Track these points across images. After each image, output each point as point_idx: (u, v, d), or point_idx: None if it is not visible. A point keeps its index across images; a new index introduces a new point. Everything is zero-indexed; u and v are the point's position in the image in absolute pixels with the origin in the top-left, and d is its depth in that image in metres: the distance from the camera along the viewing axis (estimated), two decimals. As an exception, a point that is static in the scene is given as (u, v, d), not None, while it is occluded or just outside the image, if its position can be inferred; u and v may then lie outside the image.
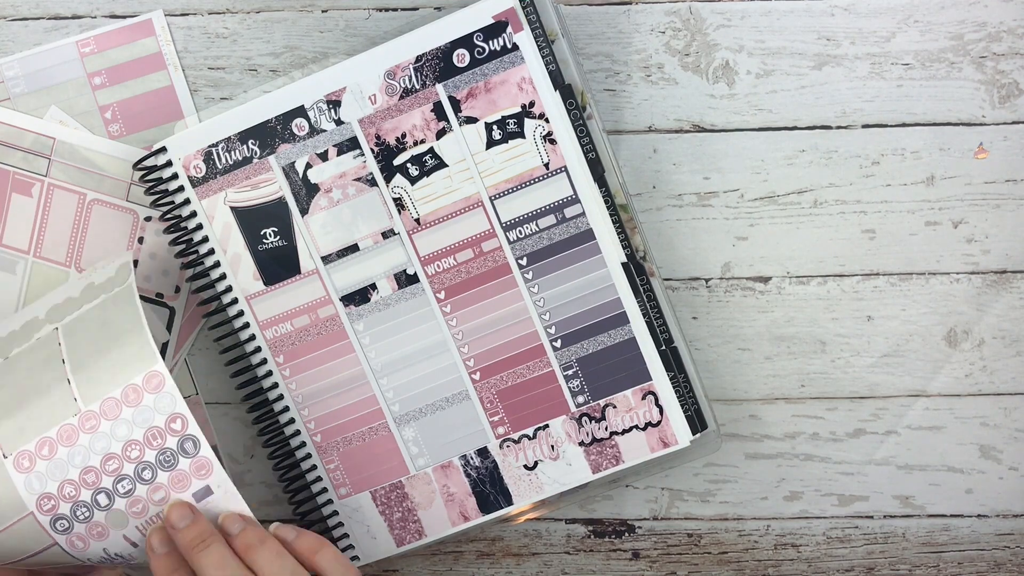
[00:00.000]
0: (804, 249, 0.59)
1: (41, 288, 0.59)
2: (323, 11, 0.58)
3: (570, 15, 0.57)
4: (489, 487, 0.59)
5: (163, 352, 0.60)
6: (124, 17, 0.58)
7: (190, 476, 0.51)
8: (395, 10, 0.57)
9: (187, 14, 0.58)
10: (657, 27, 0.57)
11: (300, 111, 0.55)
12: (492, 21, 0.54)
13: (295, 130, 0.56)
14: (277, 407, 0.58)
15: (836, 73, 0.58)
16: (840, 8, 0.57)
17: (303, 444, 0.59)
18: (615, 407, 0.57)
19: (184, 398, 0.59)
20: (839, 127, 0.58)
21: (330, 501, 0.59)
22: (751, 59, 0.58)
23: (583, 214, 0.56)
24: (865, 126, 0.58)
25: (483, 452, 0.58)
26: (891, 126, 0.58)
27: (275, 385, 0.58)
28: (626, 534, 0.63)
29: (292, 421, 0.59)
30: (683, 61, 0.58)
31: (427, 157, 0.56)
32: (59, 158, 0.58)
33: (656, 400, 0.57)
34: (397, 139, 0.55)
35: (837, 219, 0.59)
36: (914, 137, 0.58)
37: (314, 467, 0.59)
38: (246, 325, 0.58)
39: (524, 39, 0.54)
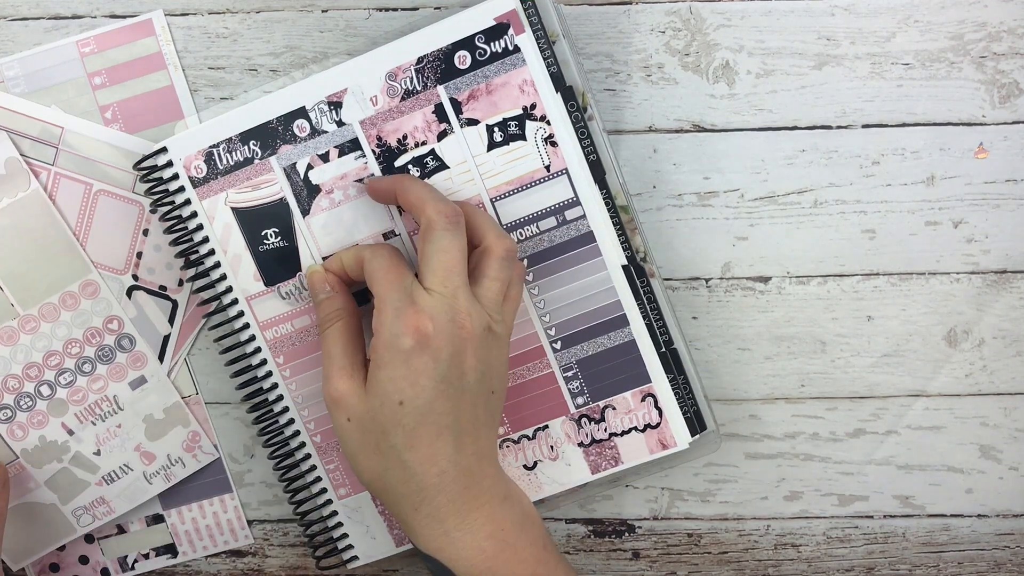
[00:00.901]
0: (804, 249, 0.59)
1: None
2: (323, 11, 0.58)
3: (570, 15, 0.57)
4: None
5: (164, 346, 0.60)
6: (124, 17, 0.58)
7: (126, 367, 0.57)
8: (395, 10, 0.57)
9: (187, 14, 0.58)
10: (657, 27, 0.57)
11: (301, 112, 0.55)
12: (493, 23, 0.54)
13: (296, 131, 0.56)
14: (277, 407, 0.58)
15: (836, 73, 0.58)
16: (840, 8, 0.57)
17: (303, 444, 0.59)
18: (615, 409, 0.57)
19: (184, 398, 0.59)
20: (839, 127, 0.58)
21: (330, 501, 0.59)
22: (751, 59, 0.58)
23: (584, 216, 0.56)
24: (865, 126, 0.58)
25: None
26: (891, 126, 0.58)
27: (275, 385, 0.58)
28: (626, 534, 0.63)
29: (292, 421, 0.59)
30: (683, 61, 0.58)
31: (428, 159, 0.56)
32: (67, 147, 0.58)
33: (656, 402, 0.57)
34: (398, 140, 0.55)
35: (837, 219, 0.59)
36: (914, 137, 0.58)
37: (314, 467, 0.59)
38: (246, 325, 0.58)
39: (526, 41, 0.54)
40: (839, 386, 0.60)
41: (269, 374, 0.58)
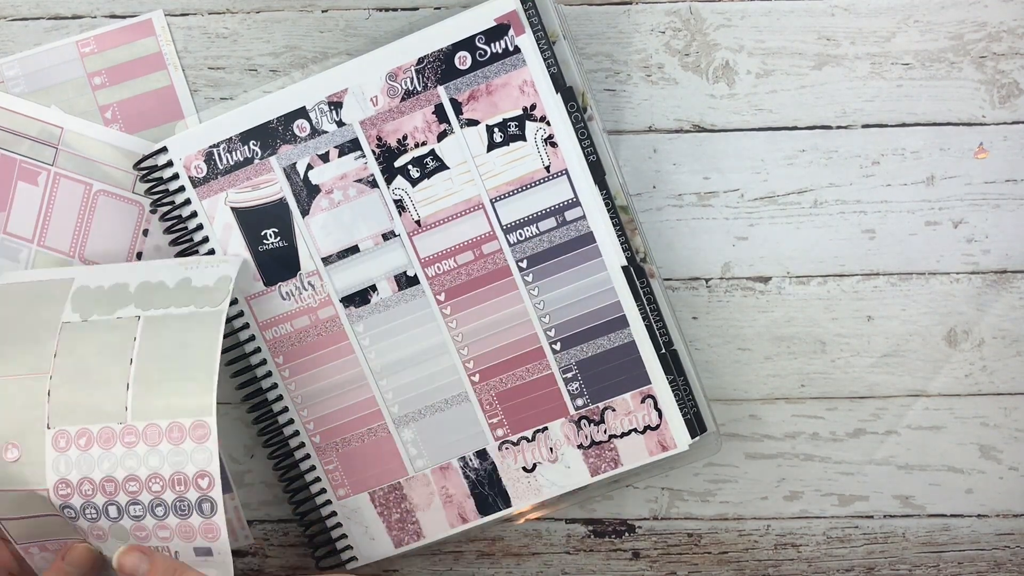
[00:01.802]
0: (804, 249, 0.59)
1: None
2: (323, 11, 0.58)
3: (570, 15, 0.57)
4: (488, 489, 0.59)
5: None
6: (124, 17, 0.58)
7: (197, 533, 0.52)
8: (395, 10, 0.57)
9: (187, 14, 0.58)
10: (657, 27, 0.57)
11: (302, 112, 0.55)
12: (494, 24, 0.54)
13: (296, 131, 0.56)
14: (276, 407, 0.58)
15: (836, 73, 0.58)
16: (840, 8, 0.57)
17: (302, 445, 0.59)
18: (614, 410, 0.57)
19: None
20: (839, 127, 0.58)
21: (329, 502, 0.59)
22: (751, 59, 0.58)
23: (583, 217, 0.56)
24: (865, 126, 0.58)
25: (482, 454, 0.58)
26: (891, 126, 0.58)
27: (274, 386, 0.58)
28: (626, 534, 0.63)
29: (291, 422, 0.59)
30: (683, 61, 0.58)
31: (428, 159, 0.55)
32: (66, 148, 0.58)
33: (655, 404, 0.57)
34: (398, 141, 0.55)
35: (837, 219, 0.59)
36: (914, 137, 0.58)
37: (313, 468, 0.59)
38: (246, 325, 0.58)
39: (526, 42, 0.54)
40: (839, 386, 0.60)
41: (269, 374, 0.58)
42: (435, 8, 0.57)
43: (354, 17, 0.58)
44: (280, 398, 0.58)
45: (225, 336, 0.58)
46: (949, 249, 0.59)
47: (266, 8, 0.58)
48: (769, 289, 0.60)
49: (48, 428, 0.52)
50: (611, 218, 0.56)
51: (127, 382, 0.52)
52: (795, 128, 0.58)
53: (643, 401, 0.57)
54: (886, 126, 0.58)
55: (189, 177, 0.56)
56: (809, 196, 0.59)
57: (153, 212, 0.59)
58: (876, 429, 0.61)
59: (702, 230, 0.59)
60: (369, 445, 0.59)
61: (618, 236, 0.56)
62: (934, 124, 0.58)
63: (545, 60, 0.55)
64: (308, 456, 0.59)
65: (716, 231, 0.59)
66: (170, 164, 0.56)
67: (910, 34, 0.57)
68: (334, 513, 0.59)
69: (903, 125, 0.58)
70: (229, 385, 0.59)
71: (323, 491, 0.59)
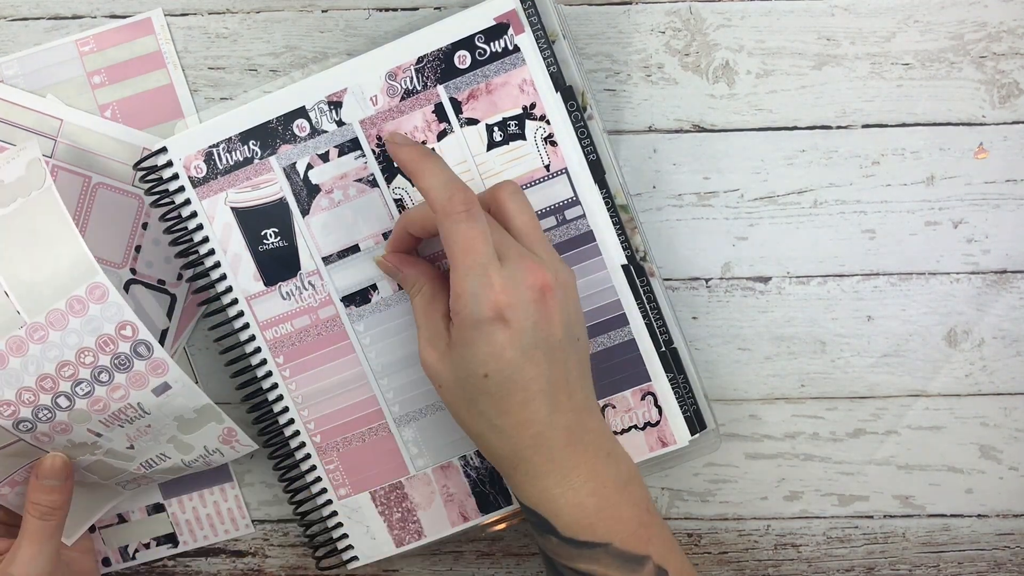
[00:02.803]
0: (804, 249, 0.59)
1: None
2: (323, 11, 0.58)
3: (570, 15, 0.57)
4: (489, 487, 0.59)
5: (162, 340, 0.60)
6: (124, 17, 0.58)
7: (147, 375, 0.53)
8: (395, 10, 0.57)
9: (187, 14, 0.58)
10: (657, 27, 0.57)
11: (301, 112, 0.55)
12: (493, 23, 0.54)
13: (296, 131, 0.56)
14: (277, 407, 0.58)
15: (836, 73, 0.58)
16: (840, 8, 0.57)
17: (303, 444, 0.59)
18: (614, 407, 0.57)
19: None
20: (839, 127, 0.58)
21: (330, 501, 0.59)
22: (751, 59, 0.58)
23: (583, 216, 0.56)
24: (865, 126, 0.58)
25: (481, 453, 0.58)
26: (891, 126, 0.58)
27: (275, 385, 0.58)
28: (626, 534, 0.62)
29: (292, 421, 0.59)
30: (683, 61, 0.58)
31: None
32: (65, 140, 0.58)
33: (655, 400, 0.57)
34: None
35: (837, 219, 0.59)
36: (914, 137, 0.58)
37: (313, 467, 0.59)
38: (246, 325, 0.58)
39: (525, 40, 0.54)
40: (839, 386, 0.60)
41: (269, 374, 0.58)
42: (435, 8, 0.57)
43: (354, 17, 0.58)
44: (280, 398, 0.58)
45: (225, 336, 0.58)
46: (949, 249, 0.59)
47: (266, 8, 0.58)
48: (769, 289, 0.60)
49: None
50: (611, 217, 0.56)
51: (3, 292, 0.52)
52: (795, 128, 0.58)
53: (643, 398, 0.57)
54: (886, 126, 0.58)
55: (189, 177, 0.56)
56: (809, 196, 0.59)
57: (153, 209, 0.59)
58: (876, 429, 0.61)
59: (702, 230, 0.59)
60: (370, 445, 0.59)
61: (618, 235, 0.56)
62: (934, 124, 0.58)
63: (545, 59, 0.54)
64: (308, 456, 0.59)
65: (716, 231, 0.59)
66: (170, 164, 0.56)
67: (910, 34, 0.57)
68: (335, 513, 0.59)
69: (903, 125, 0.58)
70: (229, 385, 0.59)
71: (324, 491, 0.59)
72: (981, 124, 0.58)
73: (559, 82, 0.55)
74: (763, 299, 0.60)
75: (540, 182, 0.55)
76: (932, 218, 0.59)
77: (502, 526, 0.59)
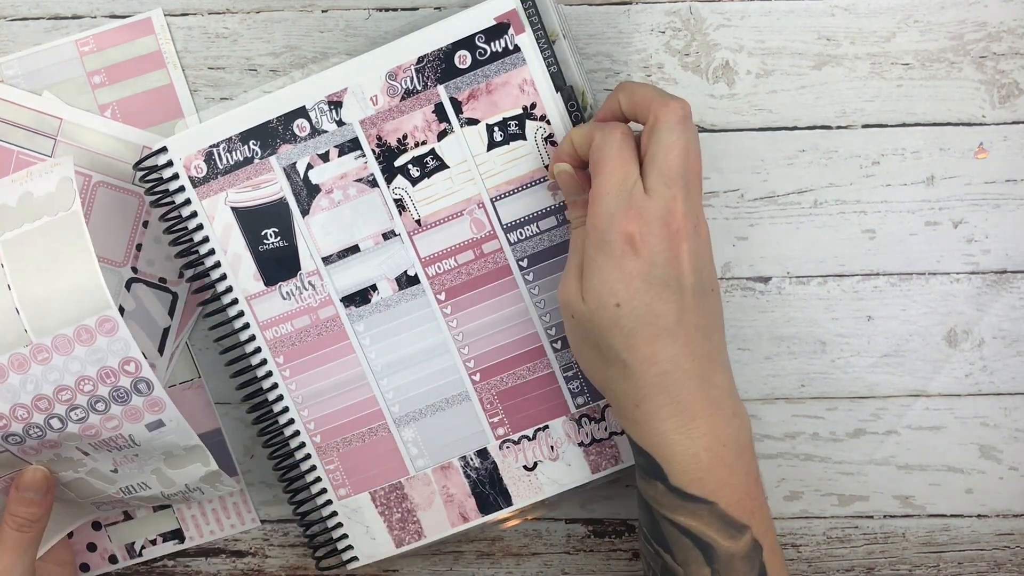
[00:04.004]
0: (804, 249, 0.59)
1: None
2: (323, 11, 0.58)
3: (570, 15, 0.57)
4: (489, 488, 0.59)
5: (164, 338, 0.60)
6: (124, 17, 0.58)
7: (143, 411, 0.53)
8: (395, 10, 0.57)
9: (187, 14, 0.58)
10: (657, 27, 0.57)
11: (301, 112, 0.55)
12: (494, 22, 0.54)
13: (296, 131, 0.56)
14: (277, 407, 0.58)
15: (836, 73, 0.58)
16: (840, 8, 0.57)
17: (303, 444, 0.59)
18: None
19: (186, 382, 0.59)
20: (839, 127, 0.58)
21: (329, 502, 0.59)
22: (751, 59, 0.58)
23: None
24: (865, 126, 0.58)
25: (483, 453, 0.58)
26: (891, 126, 0.58)
27: (275, 385, 0.58)
28: (626, 534, 0.62)
29: (292, 422, 0.59)
30: (683, 61, 0.58)
31: (428, 158, 0.55)
32: (65, 139, 0.58)
33: None
34: (398, 140, 0.55)
35: (837, 219, 0.59)
36: (914, 137, 0.58)
37: (314, 467, 0.59)
38: (246, 325, 0.58)
39: (526, 40, 0.54)
40: (839, 386, 0.60)
41: (269, 374, 0.58)
42: (435, 8, 0.57)
43: (354, 17, 0.58)
44: (280, 398, 0.58)
45: (225, 336, 0.58)
46: (949, 249, 0.59)
47: (266, 8, 0.58)
48: (769, 289, 0.60)
49: None
50: None
51: (15, 308, 0.52)
52: (795, 128, 0.58)
53: None
54: (886, 126, 0.58)
55: (189, 177, 0.56)
56: (809, 196, 0.59)
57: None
58: (876, 429, 0.61)
59: (702, 230, 0.59)
60: (370, 445, 0.59)
61: None
62: (934, 124, 0.58)
63: (545, 59, 0.54)
64: (309, 456, 0.59)
65: (716, 231, 0.59)
66: (170, 164, 0.56)
67: (910, 34, 0.57)
68: (335, 513, 0.59)
69: (903, 125, 0.58)
70: (229, 385, 0.59)
71: (324, 491, 0.59)
72: (981, 124, 0.58)
73: (559, 82, 0.55)
74: (763, 299, 0.60)
75: (540, 182, 0.55)
76: (932, 218, 0.59)
77: (516, 522, 0.59)
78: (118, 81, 0.58)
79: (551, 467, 0.58)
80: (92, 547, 0.62)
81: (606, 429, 0.58)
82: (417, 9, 0.57)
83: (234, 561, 0.63)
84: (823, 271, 0.59)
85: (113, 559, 0.62)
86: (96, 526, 0.62)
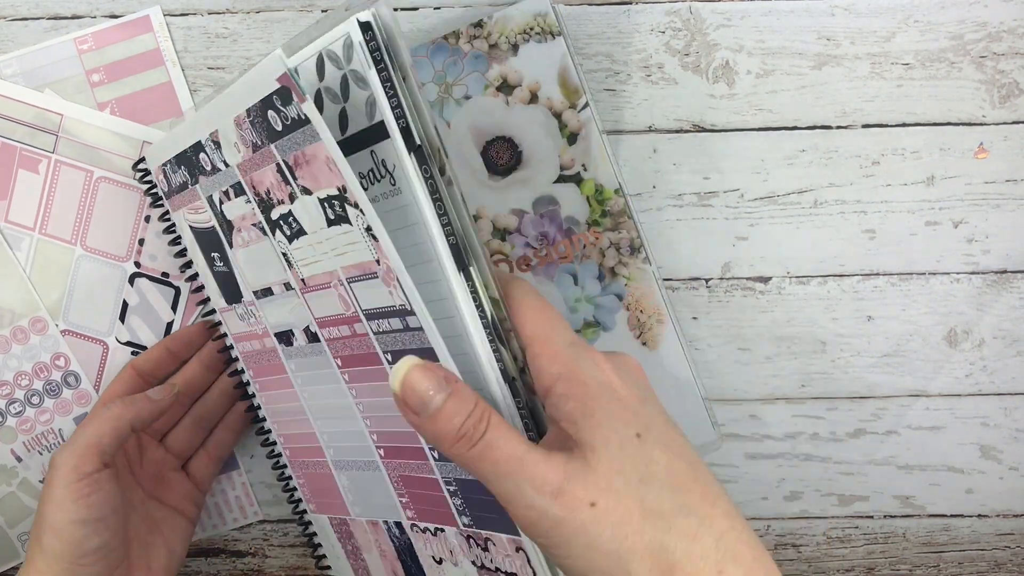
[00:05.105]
0: (804, 249, 0.59)
1: (45, 266, 0.59)
2: (323, 11, 0.58)
3: (570, 15, 0.57)
4: (411, 560, 0.53)
5: (167, 332, 0.60)
6: (123, 16, 0.58)
7: (72, 404, 0.59)
8: (395, 10, 0.57)
9: (187, 14, 0.58)
10: (657, 27, 0.57)
11: (199, 146, 0.49)
12: (277, 85, 0.41)
13: (203, 164, 0.50)
14: (260, 413, 0.58)
15: (836, 73, 0.58)
16: (840, 8, 0.57)
17: (280, 454, 0.59)
18: (495, 544, 0.46)
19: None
20: (839, 127, 0.58)
21: (306, 511, 0.59)
22: (751, 59, 0.58)
23: (421, 328, 0.41)
24: (865, 126, 0.58)
25: (399, 526, 0.52)
26: (891, 126, 0.58)
27: (253, 394, 0.58)
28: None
29: (270, 431, 0.58)
30: (683, 61, 0.58)
31: (291, 219, 0.45)
32: (66, 135, 0.58)
33: (528, 561, 0.45)
34: (267, 193, 0.46)
35: (837, 219, 0.59)
36: (914, 137, 0.58)
37: (291, 477, 0.59)
38: (225, 334, 0.58)
39: (312, 111, 0.40)
40: (839, 386, 0.60)
41: (248, 383, 0.58)
42: (434, 8, 0.57)
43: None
44: (259, 407, 0.58)
45: (220, 337, 0.58)
46: (949, 249, 0.59)
47: (266, 8, 0.58)
48: (769, 289, 0.60)
49: None
50: (486, 332, 0.41)
51: None
52: (795, 128, 0.58)
53: (517, 550, 0.45)
54: (886, 126, 0.58)
55: (160, 189, 0.56)
56: (809, 196, 0.59)
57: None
58: (876, 429, 0.61)
59: (702, 230, 0.59)
60: (320, 475, 0.56)
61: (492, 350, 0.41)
62: (934, 124, 0.58)
63: (394, 109, 0.39)
64: (285, 466, 0.59)
65: (716, 231, 0.59)
66: (147, 172, 0.56)
67: (910, 34, 0.57)
68: (311, 523, 0.59)
69: (903, 125, 0.58)
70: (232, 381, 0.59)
71: (300, 500, 0.59)
72: (981, 124, 0.58)
73: (410, 141, 0.40)
74: (763, 299, 0.60)
75: (371, 278, 0.43)
76: (932, 218, 0.59)
77: None
78: (117, 79, 0.58)
79: (452, 570, 0.50)
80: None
81: (492, 561, 0.47)
82: (417, 9, 0.57)
83: (234, 561, 0.63)
84: (823, 271, 0.59)
85: None
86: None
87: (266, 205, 0.47)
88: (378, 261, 0.41)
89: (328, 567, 0.60)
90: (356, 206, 0.40)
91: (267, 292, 0.51)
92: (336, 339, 0.48)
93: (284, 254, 0.48)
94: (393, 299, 0.42)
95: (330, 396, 0.51)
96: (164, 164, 0.54)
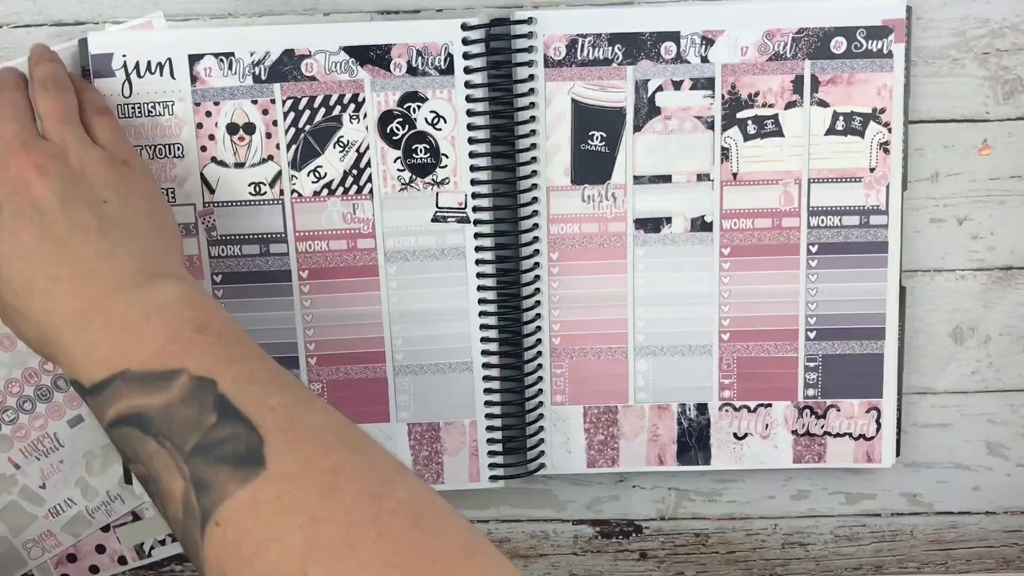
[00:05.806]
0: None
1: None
2: (325, 14, 0.58)
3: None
4: (694, 441, 0.60)
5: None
6: (126, 22, 0.58)
7: (64, 407, 0.59)
8: (397, 13, 0.57)
9: (189, 19, 0.58)
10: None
11: (674, 36, 0.56)
12: (879, 23, 0.55)
13: (663, 52, 0.57)
14: (528, 316, 0.58)
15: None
16: (842, 6, 0.57)
17: (539, 342, 0.59)
18: (838, 410, 0.59)
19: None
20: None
21: (541, 403, 0.60)
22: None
23: (885, 226, 0.57)
24: (869, 124, 0.58)
25: (702, 408, 0.59)
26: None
27: (537, 278, 0.58)
28: (633, 534, 0.62)
29: (537, 318, 0.59)
30: None
31: (768, 122, 0.57)
32: None
33: (878, 417, 0.59)
34: (749, 95, 0.57)
35: (841, 217, 0.59)
36: (918, 134, 0.58)
37: (540, 366, 0.59)
38: (535, 212, 0.58)
39: (900, 51, 0.56)
40: (845, 384, 0.60)
41: (536, 265, 0.58)
42: (436, 10, 0.57)
43: (356, 20, 0.58)
44: (538, 291, 0.59)
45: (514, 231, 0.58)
46: (954, 246, 0.59)
47: (268, 12, 0.58)
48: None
49: None
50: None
51: None
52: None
53: (868, 411, 0.59)
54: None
55: (544, 56, 0.57)
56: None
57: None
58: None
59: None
60: (605, 362, 0.59)
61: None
62: (938, 121, 0.58)
63: (906, 74, 0.56)
64: (540, 354, 0.59)
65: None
66: (531, 36, 0.56)
67: (912, 31, 0.57)
68: (541, 416, 0.60)
69: (907, 122, 0.58)
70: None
71: (540, 392, 0.59)
72: (985, 120, 0.58)
73: (907, 100, 0.56)
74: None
75: (859, 180, 0.57)
76: (937, 215, 0.59)
77: None
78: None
79: (758, 443, 0.60)
80: (101, 549, 0.62)
81: (822, 428, 0.59)
82: (419, 11, 0.57)
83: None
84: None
85: (122, 560, 0.62)
86: (105, 528, 0.62)
87: (737, 104, 0.57)
88: (872, 170, 0.57)
89: (541, 466, 0.60)
90: (886, 125, 0.57)
91: (659, 180, 0.58)
92: (738, 230, 0.58)
93: (726, 149, 0.57)
94: (870, 200, 0.57)
95: (687, 283, 0.58)
96: (579, 35, 0.56)
